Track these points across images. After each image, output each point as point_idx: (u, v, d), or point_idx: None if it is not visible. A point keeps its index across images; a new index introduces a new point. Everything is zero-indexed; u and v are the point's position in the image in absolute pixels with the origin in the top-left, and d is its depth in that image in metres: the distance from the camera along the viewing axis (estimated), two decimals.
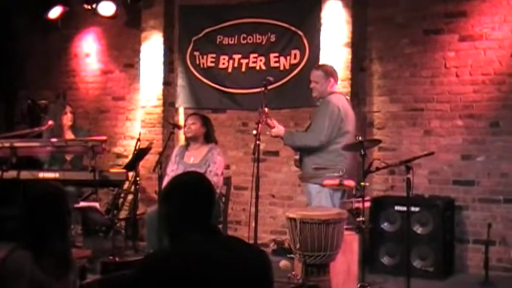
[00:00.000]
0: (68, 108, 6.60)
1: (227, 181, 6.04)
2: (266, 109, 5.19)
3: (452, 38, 6.15)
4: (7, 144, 5.87)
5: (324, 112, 5.17)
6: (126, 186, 6.95)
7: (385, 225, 5.99)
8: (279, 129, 5.30)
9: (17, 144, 5.93)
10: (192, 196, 2.37)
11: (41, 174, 6.00)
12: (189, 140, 5.87)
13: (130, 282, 2.31)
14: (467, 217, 6.09)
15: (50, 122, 6.51)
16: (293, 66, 6.78)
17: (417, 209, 5.78)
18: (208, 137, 5.84)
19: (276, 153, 6.92)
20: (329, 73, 5.33)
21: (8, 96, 8.65)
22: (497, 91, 5.99)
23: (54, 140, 6.06)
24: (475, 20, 6.05)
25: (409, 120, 6.38)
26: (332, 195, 5.10)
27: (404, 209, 5.45)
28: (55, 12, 7.70)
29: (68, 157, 6.42)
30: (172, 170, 5.75)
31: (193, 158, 5.78)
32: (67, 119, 6.53)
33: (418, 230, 5.82)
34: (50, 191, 2.95)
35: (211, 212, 2.40)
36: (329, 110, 5.14)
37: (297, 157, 5.36)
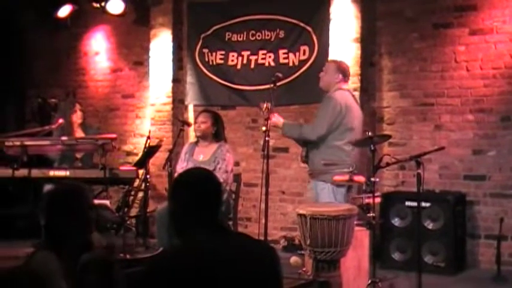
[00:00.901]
0: (78, 106, 6.62)
1: (237, 178, 6.04)
2: (269, 104, 5.18)
3: (462, 32, 6.11)
4: (18, 143, 5.92)
5: (326, 107, 5.19)
6: (136, 183, 6.95)
7: (395, 221, 5.97)
8: (277, 119, 5.29)
9: (27, 143, 5.97)
10: (198, 192, 2.36)
11: (52, 173, 6.04)
12: (198, 138, 5.87)
13: (140, 279, 2.31)
14: (478, 212, 6.06)
15: (60, 121, 6.54)
16: (302, 62, 6.76)
17: (428, 204, 5.75)
18: (218, 135, 5.84)
19: (285, 150, 6.90)
20: (340, 69, 5.32)
21: (18, 94, 8.70)
22: (508, 85, 5.95)
23: (64, 138, 6.09)
24: (485, 13, 6.01)
25: (419, 115, 6.35)
26: (335, 192, 5.09)
27: (415, 204, 5.41)
28: (64, 11, 7.72)
29: (78, 155, 6.45)
30: (182, 167, 5.75)
31: (203, 155, 5.78)
32: (77, 117, 6.56)
33: (429, 225, 5.80)
34: (70, 190, 2.95)
35: (218, 208, 2.39)
36: (331, 105, 5.15)
37: (304, 153, 5.35)
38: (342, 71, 5.33)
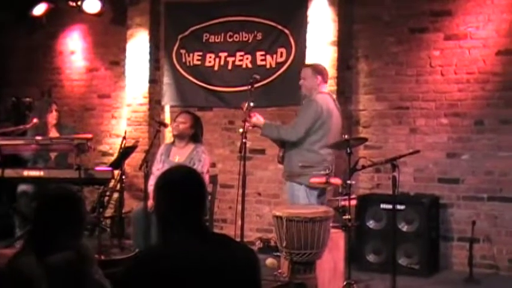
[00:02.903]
0: (54, 106, 6.56)
1: (213, 179, 6.04)
2: (251, 104, 5.19)
3: (437, 37, 6.19)
4: None
5: (307, 110, 5.22)
6: (111, 184, 6.92)
7: (370, 223, 6.02)
8: (258, 119, 5.30)
9: (1, 142, 5.88)
10: (182, 193, 2.34)
11: (26, 173, 5.96)
12: (175, 137, 5.86)
13: (120, 280, 2.30)
14: (451, 215, 6.14)
15: (35, 120, 6.46)
16: (279, 65, 6.79)
17: (403, 207, 5.80)
18: (196, 137, 5.84)
19: (262, 152, 6.92)
20: (317, 71, 5.36)
21: None
22: (481, 90, 6.04)
23: (39, 137, 6.02)
24: (460, 19, 6.09)
25: (395, 118, 6.41)
26: (309, 194, 5.12)
27: (390, 206, 5.47)
28: (40, 9, 7.63)
29: (53, 155, 6.38)
30: (158, 168, 5.73)
31: (179, 156, 5.76)
32: (52, 117, 6.50)
33: (404, 227, 5.86)
34: (61, 195, 2.86)
35: (201, 209, 2.38)
36: (312, 108, 5.18)
37: (281, 154, 5.38)
38: (320, 72, 5.37)
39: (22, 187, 6.32)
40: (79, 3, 7.39)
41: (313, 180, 4.99)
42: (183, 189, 2.35)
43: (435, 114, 6.23)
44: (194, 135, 5.81)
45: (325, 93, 5.40)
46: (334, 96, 6.26)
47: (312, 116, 5.14)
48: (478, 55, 6.03)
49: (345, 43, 6.51)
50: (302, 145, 5.18)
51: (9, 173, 5.85)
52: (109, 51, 7.91)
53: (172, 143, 5.90)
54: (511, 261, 5.89)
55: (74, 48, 8.14)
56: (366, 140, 5.55)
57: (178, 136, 5.80)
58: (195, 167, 5.57)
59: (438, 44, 6.18)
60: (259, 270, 2.42)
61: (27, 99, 7.94)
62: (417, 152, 5.40)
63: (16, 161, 6.29)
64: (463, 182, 6.11)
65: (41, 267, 2.64)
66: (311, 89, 5.32)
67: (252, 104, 5.20)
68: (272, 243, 6.53)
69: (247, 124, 5.18)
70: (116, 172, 6.43)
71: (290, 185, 5.26)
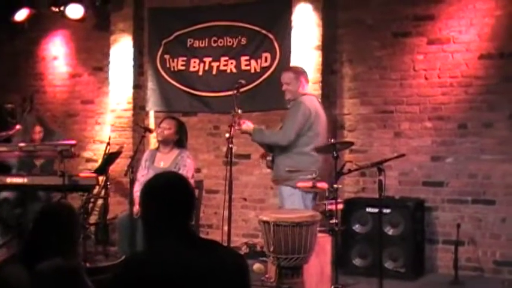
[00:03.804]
0: (38, 129, 6.44)
1: (199, 184, 6.02)
2: (239, 111, 5.19)
3: (420, 41, 6.24)
4: None
5: (295, 113, 5.22)
6: (96, 190, 6.86)
7: (356, 227, 6.03)
8: (247, 125, 5.30)
9: None
10: (168, 198, 2.33)
11: (9, 180, 5.90)
12: (159, 143, 5.83)
13: (107, 287, 2.27)
14: (436, 218, 6.17)
15: (18, 126, 6.41)
16: (264, 69, 6.79)
17: (388, 210, 5.83)
18: (181, 143, 5.83)
19: (247, 156, 6.91)
20: (299, 73, 5.38)
21: None
22: (464, 93, 6.09)
23: (22, 144, 5.96)
24: (443, 23, 6.14)
25: (380, 122, 6.44)
26: (304, 197, 5.14)
27: (376, 210, 5.50)
28: (21, 15, 7.56)
29: (38, 162, 6.31)
30: (143, 175, 5.71)
31: (163, 162, 5.74)
32: (37, 135, 6.42)
33: (389, 231, 5.87)
34: (56, 210, 2.92)
35: (188, 214, 2.37)
36: (300, 111, 5.19)
37: (270, 158, 5.37)
38: (301, 73, 5.40)
39: (3, 194, 6.26)
40: (61, 8, 7.33)
41: (300, 184, 4.99)
42: (170, 195, 2.33)
43: (419, 118, 6.26)
44: (179, 140, 5.80)
45: (310, 95, 5.43)
46: (319, 99, 6.31)
47: (301, 118, 5.15)
48: (461, 59, 6.08)
49: (329, 47, 6.53)
50: (292, 149, 5.19)
51: None
52: (92, 56, 7.87)
53: (157, 149, 5.88)
54: (495, 263, 5.93)
55: (57, 54, 8.08)
56: (352, 144, 5.57)
57: (163, 142, 5.78)
58: (180, 172, 5.55)
59: (421, 48, 6.23)
60: (249, 276, 2.42)
61: (9, 105, 7.88)
62: (402, 155, 5.42)
63: (0, 168, 6.22)
64: (447, 185, 6.15)
65: (28, 276, 2.62)
66: (295, 92, 5.33)
67: (240, 111, 5.19)
68: (258, 248, 6.53)
69: (235, 128, 5.17)
70: (101, 178, 6.38)
71: (284, 189, 5.24)
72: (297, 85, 5.32)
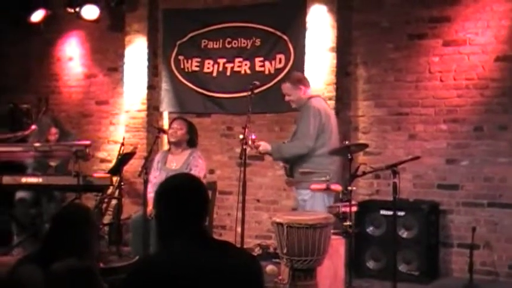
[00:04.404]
0: (53, 131, 6.45)
1: (212, 186, 6.02)
2: (253, 135, 5.19)
3: (436, 43, 6.20)
4: None
5: (307, 117, 5.19)
6: (110, 191, 6.88)
7: (370, 230, 6.00)
8: (265, 146, 5.27)
9: None
10: (182, 200, 2.33)
11: (24, 179, 5.93)
12: (172, 144, 5.85)
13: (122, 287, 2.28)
14: (451, 221, 6.13)
15: (33, 127, 6.44)
16: (278, 71, 6.78)
17: (402, 213, 5.79)
18: (192, 142, 5.85)
19: (261, 158, 6.88)
20: (296, 81, 5.35)
21: None
22: (480, 96, 6.04)
23: (37, 144, 5.99)
24: (459, 25, 6.10)
25: (394, 124, 6.40)
26: (325, 199, 5.12)
27: (390, 213, 5.47)
28: (37, 16, 7.62)
29: (53, 163, 6.34)
30: (155, 176, 5.73)
31: (175, 163, 5.76)
32: (52, 136, 6.44)
33: (403, 234, 5.84)
34: (72, 212, 2.98)
35: (202, 215, 2.37)
36: (311, 114, 5.17)
37: (287, 165, 5.35)
38: (298, 81, 5.35)
39: (20, 194, 6.29)
40: (77, 9, 7.38)
41: (314, 186, 4.97)
42: (184, 196, 2.34)
43: (434, 120, 6.22)
44: (190, 140, 5.82)
45: (316, 96, 5.41)
46: (333, 102, 6.33)
47: (313, 120, 5.13)
48: (477, 61, 6.03)
49: (343, 49, 6.51)
50: (311, 152, 5.16)
51: (7, 179, 5.81)
52: (107, 57, 7.90)
53: (168, 150, 5.90)
54: (511, 268, 5.87)
55: (72, 55, 8.12)
56: (366, 146, 5.54)
57: (176, 143, 5.81)
58: (191, 172, 5.56)
59: (437, 50, 6.19)
60: (262, 277, 2.41)
61: (25, 105, 7.93)
62: (417, 158, 5.39)
63: (15, 168, 6.26)
64: (462, 188, 6.10)
65: (43, 276, 2.63)
66: (299, 100, 5.31)
67: (253, 136, 5.18)
68: (271, 250, 6.52)
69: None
70: (115, 179, 6.40)
71: (299, 192, 5.23)
72: (297, 93, 5.30)
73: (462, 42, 6.09)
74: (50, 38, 8.16)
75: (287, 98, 5.37)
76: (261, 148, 5.25)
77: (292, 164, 5.27)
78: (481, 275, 5.86)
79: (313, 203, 5.10)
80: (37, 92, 8.24)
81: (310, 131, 5.12)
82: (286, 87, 5.36)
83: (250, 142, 5.15)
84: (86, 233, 2.88)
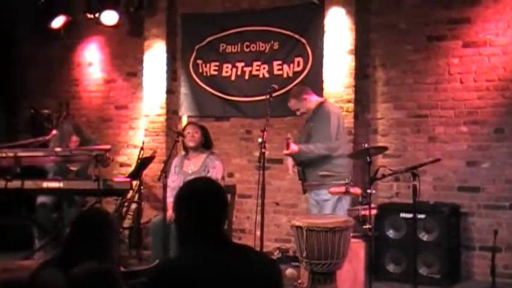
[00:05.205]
0: (74, 138, 6.48)
1: (231, 189, 6.02)
2: (289, 134, 5.41)
3: (456, 45, 6.15)
4: (11, 154, 5.84)
5: (326, 120, 5.26)
6: (129, 195, 6.93)
7: (390, 233, 5.96)
8: (293, 147, 5.33)
9: (20, 154, 5.91)
10: (202, 204, 2.34)
11: (45, 184, 5.98)
12: (189, 149, 5.86)
13: None
14: (473, 224, 6.07)
15: (54, 132, 6.50)
16: (296, 74, 6.78)
17: (422, 215, 5.75)
18: (208, 144, 5.89)
19: (279, 161, 6.88)
20: (299, 94, 5.47)
21: (10, 105, 8.65)
22: (501, 97, 5.98)
23: (58, 149, 6.04)
24: (479, 26, 6.04)
25: (413, 126, 6.36)
26: (345, 203, 5.14)
27: (410, 216, 5.43)
28: (58, 22, 7.71)
29: (74, 168, 6.39)
30: (173, 180, 5.76)
31: (193, 165, 5.79)
32: (73, 144, 6.49)
33: (424, 237, 5.79)
34: (91, 216, 3.03)
35: (222, 220, 2.38)
36: (329, 117, 5.26)
37: (299, 168, 5.37)
38: (300, 93, 5.47)
39: (41, 199, 6.35)
40: (96, 15, 7.44)
41: (333, 190, 4.96)
42: (203, 200, 2.35)
43: (454, 122, 6.17)
44: (205, 142, 5.86)
45: (324, 100, 5.56)
46: (352, 105, 6.33)
47: (332, 124, 5.17)
48: (497, 62, 5.97)
49: (362, 52, 6.49)
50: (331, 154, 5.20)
51: (28, 184, 5.87)
52: (126, 62, 7.96)
53: (184, 156, 5.91)
54: None
55: (92, 60, 8.20)
56: (386, 148, 5.52)
57: (194, 147, 5.82)
58: (209, 174, 5.60)
59: (457, 51, 6.14)
60: (281, 281, 2.41)
61: (45, 111, 8.02)
62: (438, 160, 5.35)
63: (35, 173, 6.32)
64: (483, 191, 6.04)
65: (64, 280, 2.66)
66: (309, 109, 5.44)
67: (289, 135, 5.34)
68: (290, 253, 6.50)
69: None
70: (134, 183, 6.44)
71: (320, 194, 5.23)
72: (304, 104, 5.44)
73: (482, 44, 6.04)
74: (70, 44, 8.24)
75: (298, 113, 5.52)
76: (291, 149, 5.29)
77: (307, 166, 5.28)
78: (503, 278, 5.78)
79: (336, 203, 5.10)
80: (58, 97, 8.33)
81: (331, 133, 5.20)
82: (293, 103, 5.50)
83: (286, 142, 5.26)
84: (106, 237, 2.91)
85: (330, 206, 5.20)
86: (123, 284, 2.75)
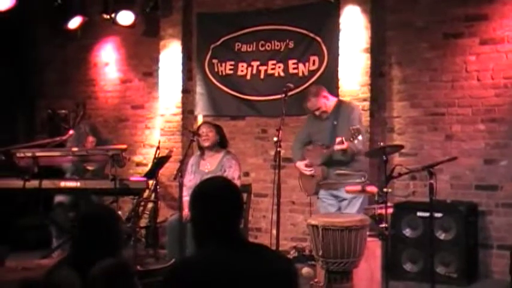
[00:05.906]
0: (91, 139, 6.51)
1: (247, 188, 6.02)
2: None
3: (473, 42, 6.09)
4: (29, 154, 5.90)
5: (358, 115, 5.33)
6: (146, 194, 6.96)
7: (406, 231, 5.93)
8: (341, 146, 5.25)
9: (38, 154, 5.96)
10: (217, 204, 2.35)
11: (63, 184, 6.03)
12: (205, 149, 5.86)
13: None
14: (491, 222, 6.01)
15: (71, 132, 6.55)
16: (312, 73, 6.76)
17: (440, 214, 5.70)
18: (223, 143, 5.88)
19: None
20: (317, 93, 5.38)
21: (28, 105, 8.74)
22: None
23: (75, 149, 6.08)
24: (497, 23, 5.99)
25: (430, 125, 6.32)
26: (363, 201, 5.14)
27: (427, 214, 5.39)
28: (74, 23, 7.76)
29: (91, 167, 6.43)
30: (190, 179, 5.77)
31: (209, 164, 5.79)
32: (89, 145, 6.52)
33: (441, 235, 5.76)
34: (94, 213, 3.05)
35: (238, 219, 2.38)
36: (356, 111, 5.35)
37: (325, 168, 5.36)
38: (318, 91, 5.39)
39: (59, 198, 6.40)
40: (112, 15, 7.49)
41: (349, 188, 4.95)
42: (219, 199, 2.35)
43: (471, 120, 6.12)
44: (221, 141, 5.86)
45: (335, 99, 5.56)
46: (367, 103, 6.31)
47: (357, 118, 5.28)
48: None
49: (377, 50, 6.46)
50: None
51: (46, 184, 5.92)
52: (142, 62, 8.00)
53: (200, 156, 5.91)
54: None
55: (108, 60, 8.25)
56: (402, 147, 5.50)
57: (210, 146, 5.82)
58: (225, 174, 5.59)
59: (474, 48, 6.08)
60: (297, 280, 2.40)
61: (63, 111, 8.09)
62: (455, 158, 5.32)
63: (53, 172, 6.37)
64: (501, 189, 5.98)
65: (80, 280, 2.68)
66: (330, 107, 5.37)
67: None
68: (307, 252, 6.50)
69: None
70: (150, 182, 6.47)
71: (341, 192, 5.22)
72: (325, 102, 5.37)
73: (500, 40, 5.98)
74: (86, 44, 8.30)
75: (318, 112, 5.38)
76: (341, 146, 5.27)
77: (328, 165, 5.25)
78: None
79: (355, 201, 5.11)
80: (74, 97, 8.39)
81: (363, 129, 5.21)
82: (312, 102, 5.38)
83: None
84: (115, 231, 2.94)
85: (348, 204, 5.18)
86: (135, 280, 2.78)
